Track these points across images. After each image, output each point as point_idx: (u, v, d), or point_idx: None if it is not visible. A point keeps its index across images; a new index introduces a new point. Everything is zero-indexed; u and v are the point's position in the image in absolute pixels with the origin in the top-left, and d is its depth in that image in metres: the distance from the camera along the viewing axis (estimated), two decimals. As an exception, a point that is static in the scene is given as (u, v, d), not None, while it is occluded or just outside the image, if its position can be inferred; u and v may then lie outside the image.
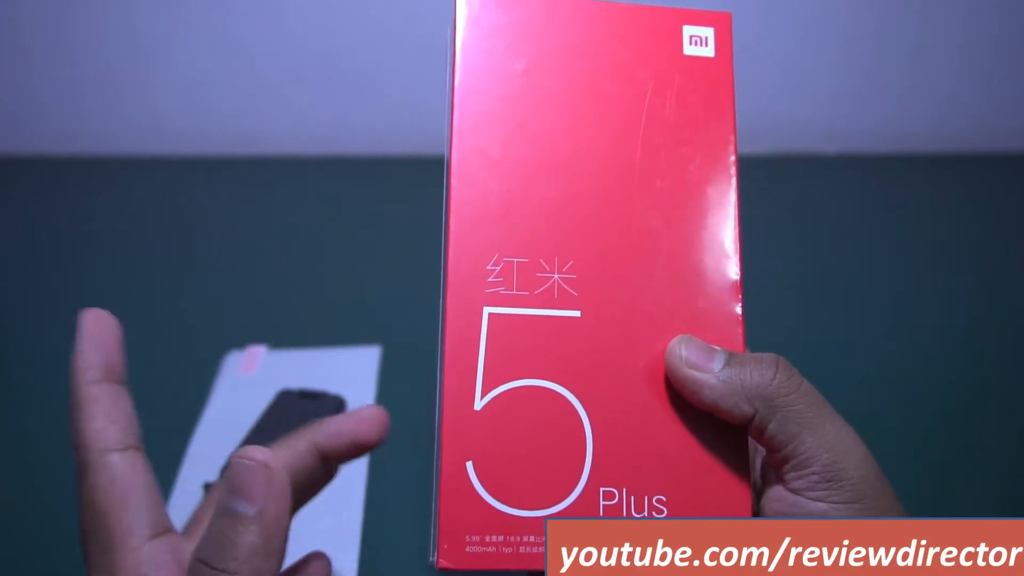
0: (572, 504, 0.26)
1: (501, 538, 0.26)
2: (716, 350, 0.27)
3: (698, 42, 0.31)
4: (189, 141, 0.90)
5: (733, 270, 0.29)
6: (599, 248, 0.28)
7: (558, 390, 0.27)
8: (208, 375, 0.53)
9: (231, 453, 0.25)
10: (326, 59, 0.87)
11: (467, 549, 0.25)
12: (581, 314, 0.28)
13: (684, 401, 0.27)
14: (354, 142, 0.89)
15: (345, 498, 0.44)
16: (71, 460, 0.44)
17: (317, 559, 0.29)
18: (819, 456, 0.25)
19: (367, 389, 0.51)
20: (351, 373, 0.53)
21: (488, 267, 0.28)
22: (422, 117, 0.89)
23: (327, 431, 0.29)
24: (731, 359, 0.27)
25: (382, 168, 0.85)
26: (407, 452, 0.45)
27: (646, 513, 0.26)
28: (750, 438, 0.27)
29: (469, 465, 0.26)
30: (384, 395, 0.51)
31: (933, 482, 0.45)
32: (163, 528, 0.26)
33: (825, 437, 0.26)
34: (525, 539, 0.26)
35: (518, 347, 0.27)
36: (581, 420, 0.27)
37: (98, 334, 0.28)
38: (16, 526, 0.44)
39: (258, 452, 0.24)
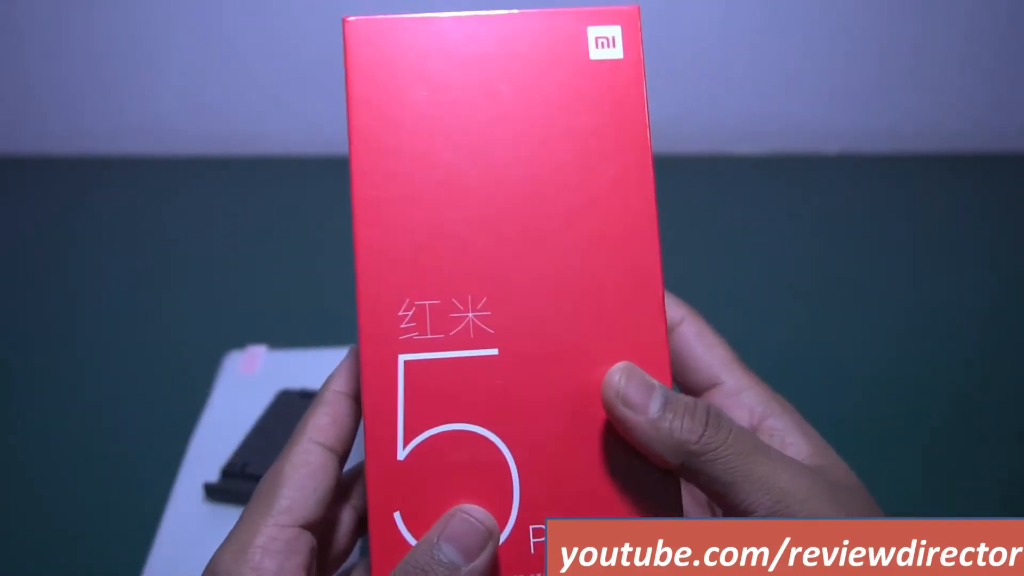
0: (503, 544, 0.26)
1: None
2: (655, 388, 0.26)
3: (605, 43, 0.28)
4: (189, 141, 0.90)
5: (655, 289, 0.28)
6: (512, 280, 0.27)
7: (480, 432, 0.27)
8: (208, 375, 0.53)
9: (457, 508, 0.26)
10: (326, 59, 0.87)
11: None
12: (499, 351, 0.27)
13: (611, 436, 0.27)
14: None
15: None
16: (69, 461, 0.44)
17: None
18: (760, 501, 0.25)
19: (367, 389, 0.51)
20: (351, 373, 0.53)
21: (400, 313, 0.27)
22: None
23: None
24: (666, 404, 0.26)
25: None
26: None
27: None
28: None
29: (397, 515, 0.26)
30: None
31: (935, 482, 0.45)
32: (314, 528, 0.26)
33: (761, 481, 0.25)
34: None
35: (437, 392, 0.27)
36: (506, 461, 0.27)
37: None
38: (12, 526, 0.44)
39: (483, 515, 0.26)
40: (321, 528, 0.27)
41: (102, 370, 0.55)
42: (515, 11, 0.28)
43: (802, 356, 0.57)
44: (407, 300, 0.27)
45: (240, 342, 0.56)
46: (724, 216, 0.72)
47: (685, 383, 0.32)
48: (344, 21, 0.29)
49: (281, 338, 0.56)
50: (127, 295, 0.64)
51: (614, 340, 0.27)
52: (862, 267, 0.68)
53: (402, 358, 0.27)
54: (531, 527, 0.27)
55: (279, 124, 0.90)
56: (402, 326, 0.27)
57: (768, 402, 0.30)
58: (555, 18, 0.28)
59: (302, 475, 0.26)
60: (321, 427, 0.27)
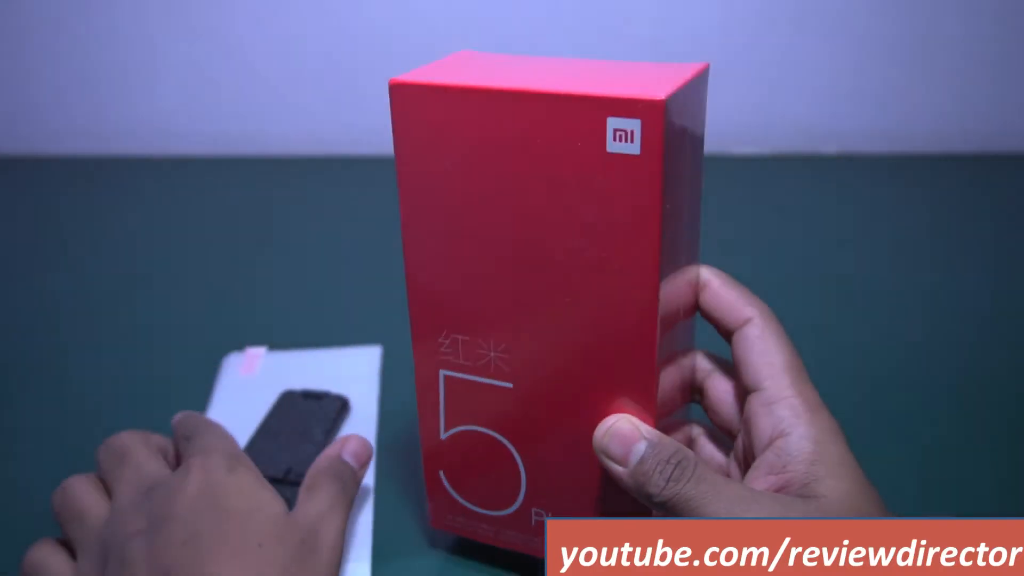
0: (511, 513, 0.35)
1: (463, 519, 0.36)
2: (639, 441, 0.29)
3: (622, 137, 0.27)
4: (189, 141, 0.90)
5: (651, 363, 0.30)
6: (528, 333, 0.31)
7: (497, 437, 0.34)
8: (208, 376, 0.53)
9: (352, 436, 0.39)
10: (326, 59, 0.87)
11: (446, 520, 0.37)
12: (513, 385, 0.32)
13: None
14: (354, 142, 0.89)
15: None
16: (67, 466, 0.44)
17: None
18: None
19: (370, 388, 0.51)
20: (353, 373, 0.53)
21: (440, 340, 0.33)
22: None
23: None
24: (644, 457, 0.29)
25: (382, 168, 0.85)
26: (411, 445, 0.45)
27: None
28: None
29: (441, 473, 0.36)
30: (387, 394, 0.51)
31: (935, 482, 0.45)
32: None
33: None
34: (481, 525, 0.36)
35: (466, 402, 0.34)
36: (516, 461, 0.34)
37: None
38: (12, 530, 0.44)
39: (365, 442, 0.39)
40: None
41: (101, 373, 0.55)
42: (546, 90, 0.27)
43: (801, 356, 0.57)
44: (445, 331, 0.33)
45: (239, 343, 0.56)
46: (723, 216, 0.72)
47: (740, 382, 0.34)
48: (390, 85, 0.30)
49: (281, 339, 0.56)
50: (126, 296, 0.64)
51: (609, 388, 0.31)
52: (861, 267, 0.68)
53: (442, 372, 0.34)
54: (532, 509, 0.34)
55: (279, 124, 0.90)
56: (442, 350, 0.33)
57: (796, 418, 0.30)
58: (580, 103, 0.27)
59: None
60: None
